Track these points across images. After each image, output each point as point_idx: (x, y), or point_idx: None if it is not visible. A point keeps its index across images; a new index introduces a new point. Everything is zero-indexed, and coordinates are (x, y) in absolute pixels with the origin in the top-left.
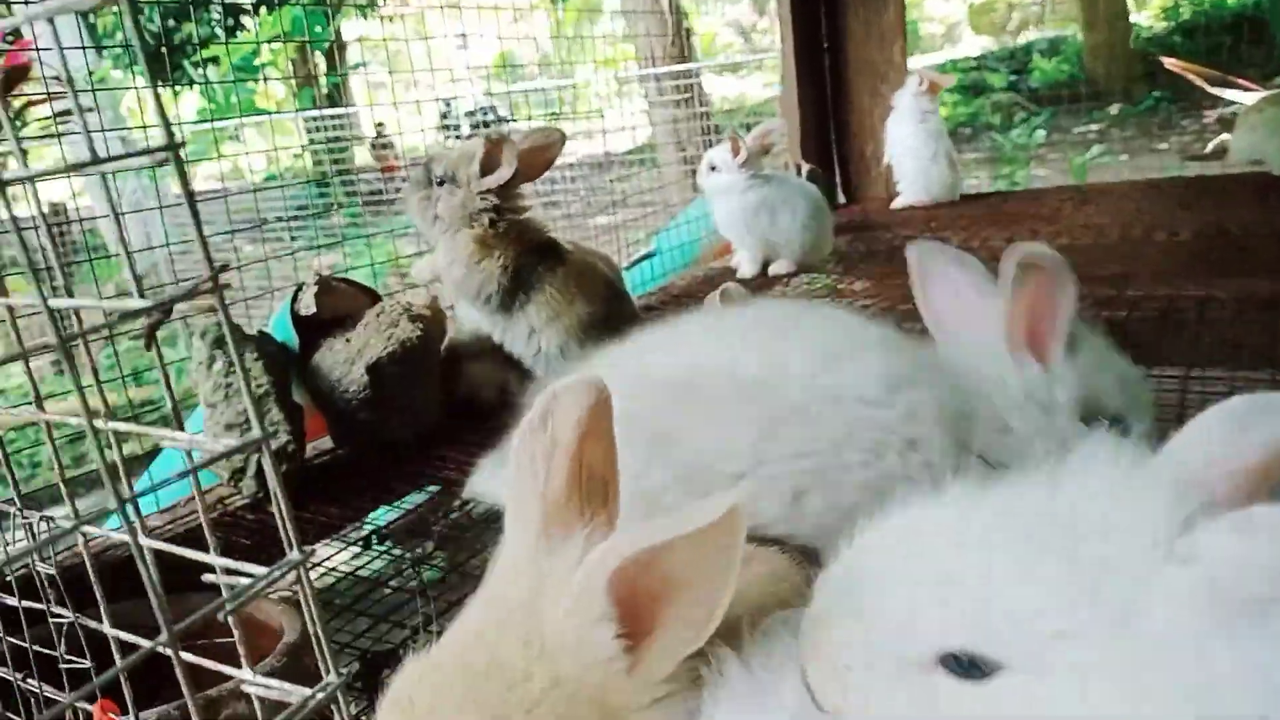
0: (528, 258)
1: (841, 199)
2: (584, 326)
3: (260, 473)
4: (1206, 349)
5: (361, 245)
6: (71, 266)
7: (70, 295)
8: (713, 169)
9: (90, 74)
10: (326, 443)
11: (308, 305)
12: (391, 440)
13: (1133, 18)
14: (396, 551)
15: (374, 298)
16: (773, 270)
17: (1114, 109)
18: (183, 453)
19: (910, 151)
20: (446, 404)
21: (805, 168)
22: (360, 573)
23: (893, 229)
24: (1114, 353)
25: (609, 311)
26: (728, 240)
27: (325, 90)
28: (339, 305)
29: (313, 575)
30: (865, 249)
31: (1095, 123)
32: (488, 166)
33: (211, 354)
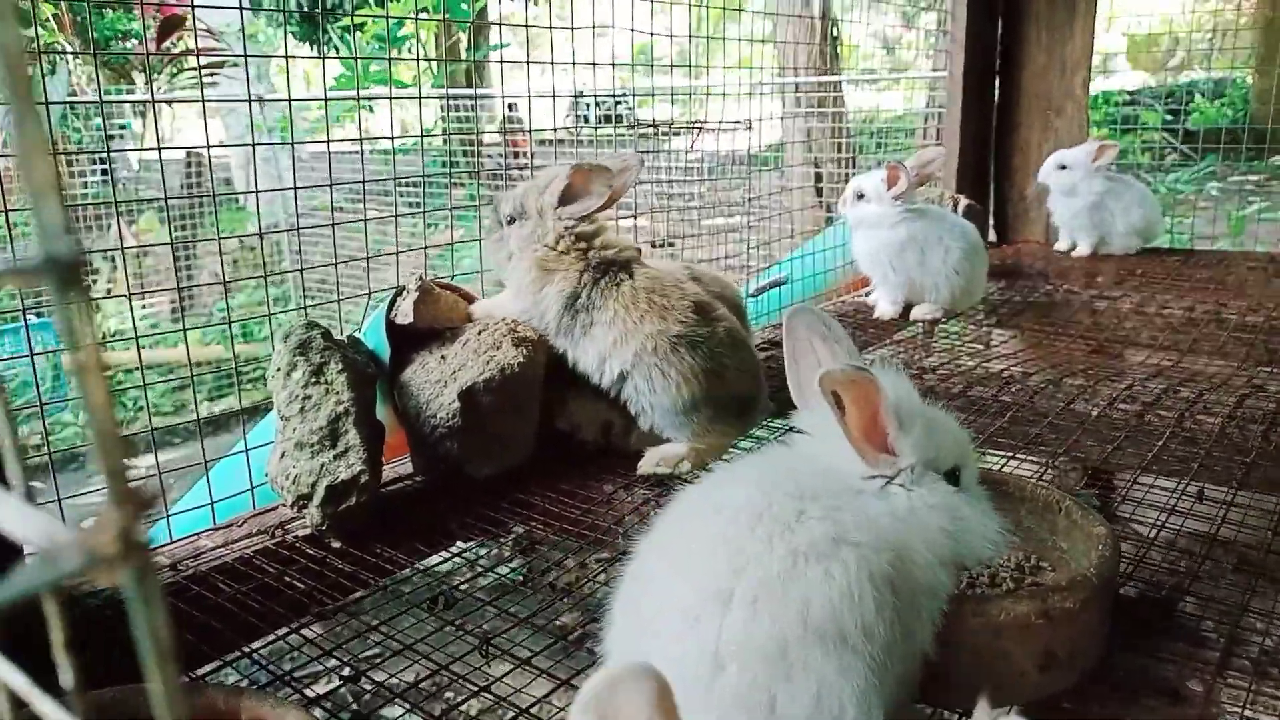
0: (591, 274)
1: (993, 237)
2: (662, 351)
3: (328, 500)
4: None
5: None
6: (201, 209)
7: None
8: (860, 197)
9: (243, 30)
10: (406, 465)
11: (404, 313)
12: (476, 476)
13: None
14: (463, 627)
15: (471, 301)
16: (915, 314)
17: (1278, 160)
18: (245, 460)
19: (1072, 192)
20: (541, 437)
21: (964, 203)
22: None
23: (1051, 280)
24: (940, 415)
25: (702, 335)
26: (865, 275)
27: (464, 68)
28: (439, 315)
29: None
30: (1020, 300)
31: (1256, 173)
32: (569, 195)
33: (293, 360)
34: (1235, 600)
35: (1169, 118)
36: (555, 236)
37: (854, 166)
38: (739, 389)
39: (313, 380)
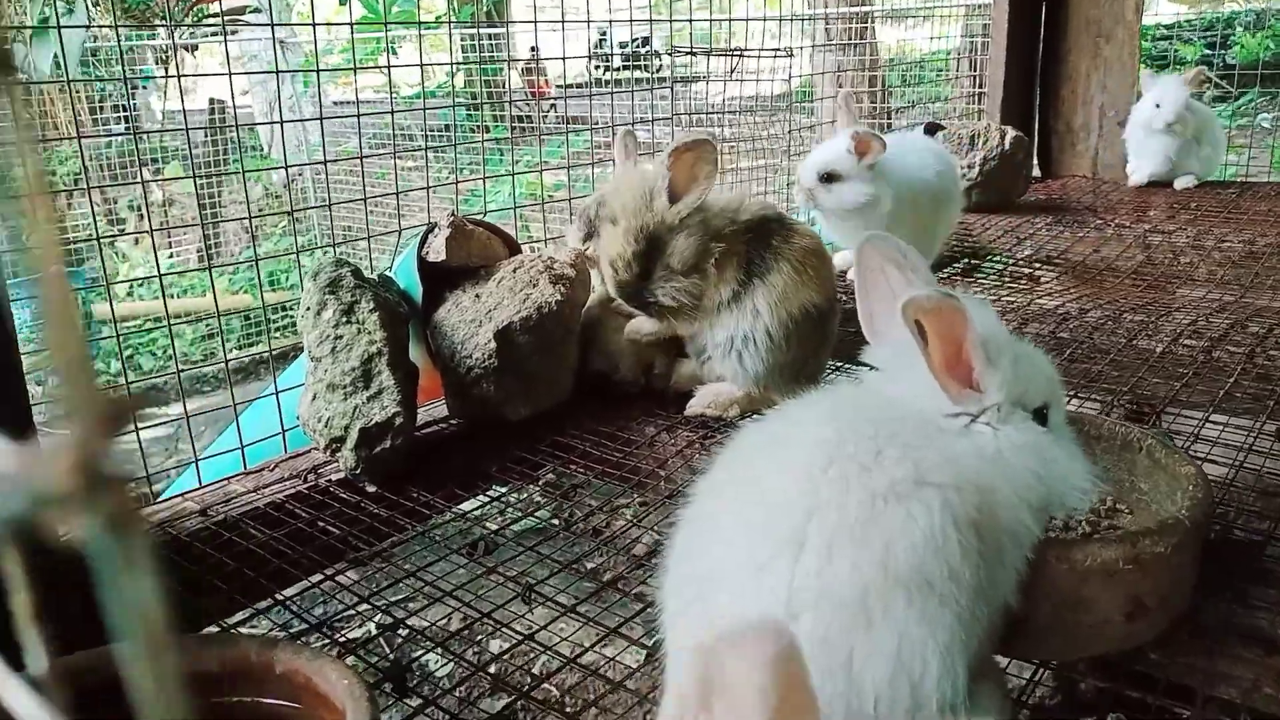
0: (746, 250)
1: (1037, 172)
2: (805, 320)
3: (362, 443)
4: None
5: (502, 169)
6: (224, 161)
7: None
8: (829, 179)
9: None
10: (441, 408)
11: (437, 250)
12: (512, 419)
13: None
14: (506, 572)
15: (513, 247)
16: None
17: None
18: (276, 403)
19: (1142, 124)
20: (580, 378)
21: (1011, 134)
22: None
23: (1100, 214)
24: (1028, 350)
25: (833, 308)
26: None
27: (485, 8)
28: (473, 252)
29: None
30: (1070, 235)
31: None
32: (675, 192)
33: (323, 299)
34: None
35: (1208, 51)
36: (696, 247)
37: (887, 102)
38: (824, 358)
39: (344, 320)
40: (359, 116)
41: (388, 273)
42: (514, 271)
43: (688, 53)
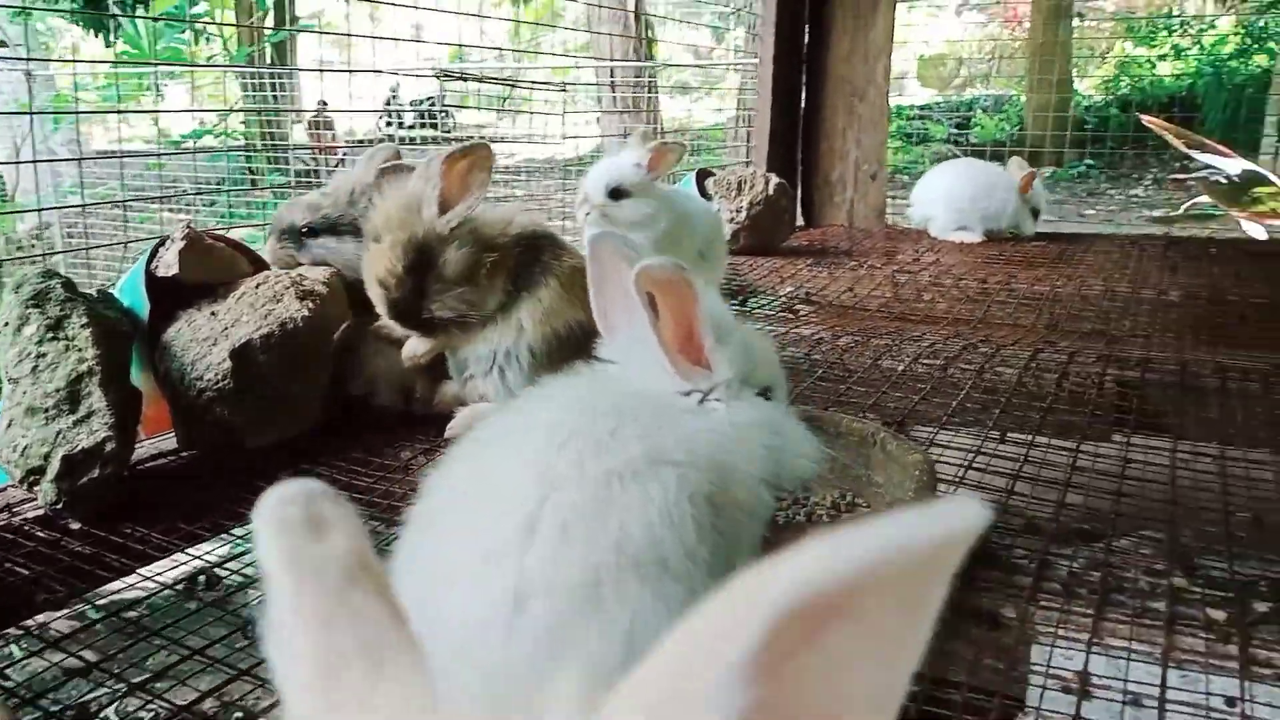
0: (517, 259)
1: (801, 221)
2: (571, 339)
3: (65, 473)
4: (1243, 426)
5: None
6: None
7: None
8: (618, 195)
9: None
10: (171, 440)
11: (168, 264)
12: (253, 447)
13: (1075, 85)
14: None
15: (259, 265)
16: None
17: (1047, 171)
18: None
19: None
20: (333, 403)
21: (774, 181)
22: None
23: (855, 257)
24: (753, 332)
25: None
26: None
27: (264, 51)
28: (211, 270)
29: None
30: (827, 275)
31: None
32: (446, 201)
33: (25, 313)
34: (1045, 528)
35: (955, 131)
36: (469, 257)
37: (670, 170)
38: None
39: (49, 336)
40: (121, 157)
41: (110, 289)
42: (256, 287)
43: (458, 78)
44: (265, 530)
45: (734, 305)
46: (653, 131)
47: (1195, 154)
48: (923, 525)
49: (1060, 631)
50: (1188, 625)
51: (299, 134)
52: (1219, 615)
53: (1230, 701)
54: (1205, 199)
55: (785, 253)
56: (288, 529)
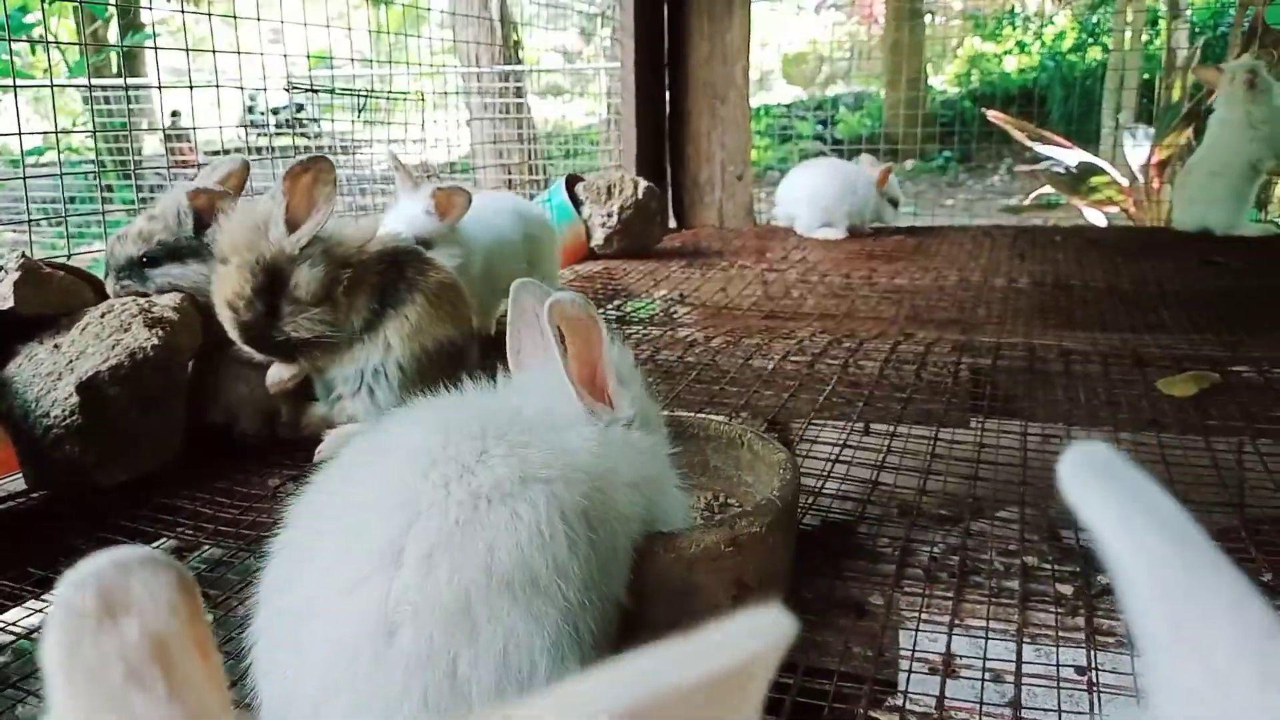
0: (380, 278)
1: (673, 223)
2: (440, 355)
3: None
4: (1086, 407)
5: None
6: None
7: None
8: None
9: None
10: (18, 481)
11: (3, 297)
12: (106, 485)
13: (930, 81)
14: None
15: (104, 294)
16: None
17: (909, 164)
18: None
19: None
20: (192, 433)
21: (643, 184)
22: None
23: (726, 257)
24: (640, 374)
25: (468, 342)
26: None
27: (110, 62)
28: (50, 301)
29: None
30: (700, 276)
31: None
32: (293, 219)
33: None
34: (908, 516)
35: (820, 127)
36: (322, 276)
37: (545, 174)
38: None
39: None
40: None
41: None
42: (102, 316)
43: (309, 90)
44: (50, 622)
45: (611, 310)
46: (530, 138)
47: (1036, 146)
48: (730, 643)
49: (924, 615)
50: (1039, 601)
51: (154, 146)
52: (1067, 590)
53: (1080, 670)
54: (1049, 189)
55: (659, 255)
56: (71, 621)
